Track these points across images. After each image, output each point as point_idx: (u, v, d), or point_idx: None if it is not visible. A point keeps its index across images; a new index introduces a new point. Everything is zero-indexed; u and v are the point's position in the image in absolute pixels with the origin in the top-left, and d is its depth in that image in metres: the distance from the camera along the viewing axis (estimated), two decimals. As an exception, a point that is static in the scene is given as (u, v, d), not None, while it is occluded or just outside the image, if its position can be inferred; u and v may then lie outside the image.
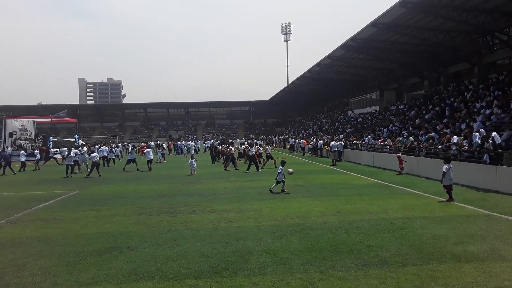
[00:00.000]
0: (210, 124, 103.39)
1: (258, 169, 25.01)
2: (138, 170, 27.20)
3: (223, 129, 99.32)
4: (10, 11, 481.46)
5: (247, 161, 26.82)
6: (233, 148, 29.04)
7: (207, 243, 8.79)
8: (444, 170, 13.09)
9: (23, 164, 30.24)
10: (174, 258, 7.80)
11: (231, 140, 48.99)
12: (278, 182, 15.97)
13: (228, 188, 17.48)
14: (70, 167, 24.98)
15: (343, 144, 32.00)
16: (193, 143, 48.01)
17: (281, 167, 16.35)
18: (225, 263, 7.40)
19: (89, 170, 24.74)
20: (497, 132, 16.46)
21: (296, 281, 6.44)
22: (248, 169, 25.00)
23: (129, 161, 28.01)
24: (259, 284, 6.36)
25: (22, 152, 32.10)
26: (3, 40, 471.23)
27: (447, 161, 13.34)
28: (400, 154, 21.90)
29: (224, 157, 30.25)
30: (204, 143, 62.69)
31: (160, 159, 37.34)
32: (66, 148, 33.02)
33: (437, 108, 28.91)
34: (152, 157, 28.60)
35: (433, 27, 29.87)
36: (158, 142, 57.76)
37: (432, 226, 9.74)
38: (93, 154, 25.70)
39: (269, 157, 27.89)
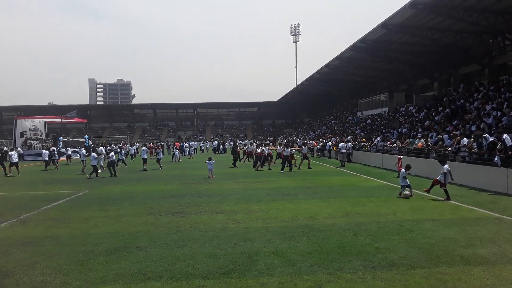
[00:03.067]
0: (219, 124, 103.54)
1: (291, 169, 25.10)
2: (144, 170, 27.53)
3: (232, 130, 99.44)
4: (21, 12, 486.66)
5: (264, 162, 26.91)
6: (265, 149, 28.62)
7: (215, 243, 8.82)
8: (445, 171, 13.69)
9: (47, 163, 30.96)
10: (183, 258, 7.84)
11: (267, 141, 48.85)
12: (405, 187, 14.58)
13: (236, 189, 17.51)
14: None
15: (351, 145, 31.88)
16: (196, 143, 48.59)
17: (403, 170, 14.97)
18: (233, 264, 7.42)
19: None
20: (507, 134, 16.31)
21: (303, 283, 6.44)
22: (282, 169, 25.12)
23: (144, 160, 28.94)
24: (267, 285, 6.37)
25: (45, 151, 32.68)
26: (14, 40, 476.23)
27: (444, 161, 14.29)
28: (401, 156, 21.82)
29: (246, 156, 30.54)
30: (211, 143, 62.69)
31: (176, 158, 38.25)
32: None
33: (447, 110, 28.71)
34: (161, 157, 30.04)
35: (444, 28, 29.69)
36: (169, 143, 58.01)
37: (441, 229, 9.68)
38: (111, 153, 26.52)
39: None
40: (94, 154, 25.00)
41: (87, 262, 7.76)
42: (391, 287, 6.21)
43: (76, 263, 7.72)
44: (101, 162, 27.97)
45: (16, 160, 26.38)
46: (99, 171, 26.74)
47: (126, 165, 32.65)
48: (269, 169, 26.58)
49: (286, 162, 25.28)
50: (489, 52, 31.66)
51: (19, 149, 43.52)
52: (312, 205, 13.32)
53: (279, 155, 30.96)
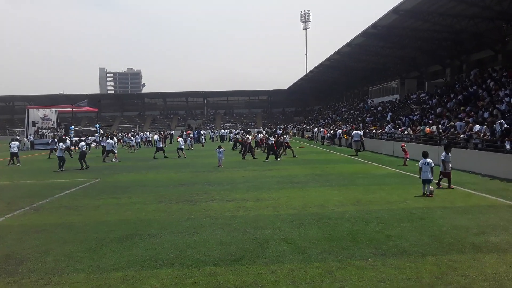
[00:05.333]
0: (229, 113, 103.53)
1: (276, 158, 24.99)
2: (165, 157, 28.22)
3: (242, 118, 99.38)
4: (32, 2, 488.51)
5: (265, 150, 26.83)
6: (250, 137, 28.95)
7: (226, 231, 8.87)
8: (442, 158, 13.47)
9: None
10: (193, 245, 7.89)
11: (248, 129, 49.05)
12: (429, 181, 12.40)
13: (246, 177, 17.54)
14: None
15: (360, 133, 31.54)
16: (204, 131, 48.99)
17: (427, 160, 12.50)
18: (243, 251, 7.46)
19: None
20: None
21: (314, 270, 6.46)
22: (267, 158, 25.02)
23: (157, 149, 29.32)
24: (277, 272, 6.40)
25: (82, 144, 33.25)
26: (26, 30, 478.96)
27: (449, 149, 13.84)
28: (404, 144, 21.60)
29: (241, 146, 30.40)
30: (212, 131, 62.56)
31: (189, 146, 39.68)
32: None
33: (459, 97, 28.36)
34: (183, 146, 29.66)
35: (456, 14, 29.16)
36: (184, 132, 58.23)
37: (453, 216, 9.62)
38: (81, 143, 25.22)
39: (287, 146, 27.83)
40: (61, 144, 23.27)
41: (100, 249, 7.86)
42: (402, 274, 6.20)
43: (88, 250, 7.82)
44: (115, 150, 28.29)
45: (15, 150, 25.56)
46: (113, 160, 27.11)
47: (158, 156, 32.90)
48: (254, 157, 26.57)
49: (271, 151, 25.23)
50: (502, 37, 31.05)
51: (31, 137, 44.02)
52: (322, 193, 13.30)
53: (257, 143, 31.03)
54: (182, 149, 28.92)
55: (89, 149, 34.44)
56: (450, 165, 13.57)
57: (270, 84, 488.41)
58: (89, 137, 37.90)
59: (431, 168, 12.26)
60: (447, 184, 13.54)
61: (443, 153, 13.66)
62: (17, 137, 36.96)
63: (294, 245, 7.73)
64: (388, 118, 36.65)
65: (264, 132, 37.95)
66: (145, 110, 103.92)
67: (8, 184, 17.55)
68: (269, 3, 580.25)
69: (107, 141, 28.21)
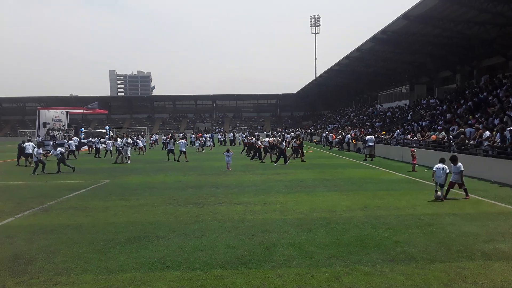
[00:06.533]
0: (237, 116, 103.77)
1: (285, 162, 24.96)
2: (176, 161, 28.01)
3: (250, 122, 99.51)
4: (43, 5, 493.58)
5: (275, 154, 26.80)
6: (259, 143, 28.95)
7: (233, 234, 8.88)
8: (434, 169, 12.68)
9: (98, 150, 34.72)
10: (201, 248, 7.91)
11: (256, 133, 49.10)
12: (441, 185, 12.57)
13: (254, 181, 17.55)
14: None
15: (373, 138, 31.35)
16: (207, 135, 49.25)
17: (442, 165, 12.66)
18: (251, 255, 7.46)
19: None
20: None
21: (321, 275, 6.45)
22: (276, 162, 24.99)
23: (169, 151, 29.20)
24: (284, 277, 6.39)
25: (95, 139, 35.68)
26: (37, 33, 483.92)
27: (455, 161, 12.75)
28: (414, 149, 21.43)
29: (248, 149, 30.59)
30: (220, 135, 62.35)
31: (198, 148, 40.93)
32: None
33: (469, 103, 28.15)
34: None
35: (467, 19, 29.00)
36: (192, 135, 58.33)
37: (462, 223, 9.55)
38: (58, 150, 23.32)
39: (295, 150, 27.83)
40: (40, 150, 22.69)
41: (108, 250, 7.91)
42: (410, 280, 6.17)
43: (97, 251, 7.87)
44: (128, 152, 28.54)
45: (29, 151, 25.32)
46: (127, 161, 27.42)
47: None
48: (262, 161, 26.61)
49: (282, 155, 25.15)
50: (513, 43, 30.85)
51: (39, 138, 44.29)
52: (330, 197, 13.27)
53: (265, 149, 30.67)
54: (183, 152, 28.17)
55: (97, 153, 34.78)
56: (455, 176, 12.79)
57: (279, 88, 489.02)
58: (97, 139, 38.17)
59: (446, 174, 12.31)
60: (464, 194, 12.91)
61: (452, 165, 12.96)
62: (29, 137, 37.46)
63: (302, 250, 7.72)
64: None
65: (278, 135, 37.83)
66: (155, 113, 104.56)
67: (18, 185, 17.72)
68: (279, 7, 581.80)
69: (118, 141, 28.76)
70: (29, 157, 25.76)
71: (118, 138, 33.85)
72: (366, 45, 39.54)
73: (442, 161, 12.86)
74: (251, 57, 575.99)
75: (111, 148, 34.18)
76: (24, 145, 26.59)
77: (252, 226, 9.59)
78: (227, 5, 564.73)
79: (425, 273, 6.44)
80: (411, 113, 38.16)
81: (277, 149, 25.95)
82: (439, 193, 12.44)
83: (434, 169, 12.59)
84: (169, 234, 9.00)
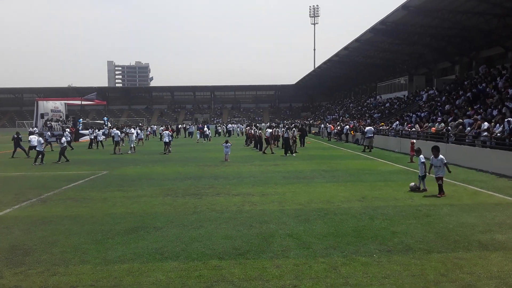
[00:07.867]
0: (236, 107, 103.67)
1: (292, 153, 24.97)
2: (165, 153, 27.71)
3: (249, 113, 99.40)
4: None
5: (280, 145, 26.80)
6: (262, 132, 28.93)
7: (231, 225, 8.89)
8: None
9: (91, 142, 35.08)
10: (199, 239, 7.93)
11: (257, 124, 49.02)
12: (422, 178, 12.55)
13: (252, 172, 17.55)
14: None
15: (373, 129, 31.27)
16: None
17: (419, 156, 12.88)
18: (248, 245, 7.48)
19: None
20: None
21: (319, 265, 6.47)
22: (285, 153, 24.90)
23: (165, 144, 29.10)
24: (282, 267, 6.41)
25: (99, 132, 35.38)
26: (34, 23, 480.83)
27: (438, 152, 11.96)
28: (414, 141, 21.42)
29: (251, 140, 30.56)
30: (218, 126, 62.01)
31: (198, 139, 41.85)
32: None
33: (468, 94, 28.11)
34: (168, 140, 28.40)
35: (466, 10, 28.83)
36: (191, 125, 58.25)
37: (459, 214, 9.58)
38: (62, 139, 24.29)
39: (294, 141, 27.85)
40: (40, 139, 22.89)
41: (106, 241, 7.92)
42: (407, 271, 6.19)
43: (95, 242, 7.88)
44: (133, 143, 29.02)
45: (34, 144, 24.82)
46: (129, 152, 27.54)
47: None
48: (263, 152, 26.49)
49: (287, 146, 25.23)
50: (512, 34, 30.72)
51: (36, 129, 44.17)
52: (328, 188, 13.29)
53: (267, 141, 30.49)
54: (167, 143, 27.98)
55: (96, 143, 34.77)
56: (437, 170, 11.94)
57: (277, 79, 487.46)
58: (96, 130, 37.89)
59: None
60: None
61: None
62: (31, 129, 37.80)
63: (299, 240, 7.74)
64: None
65: (281, 126, 37.50)
66: (153, 104, 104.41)
67: (16, 176, 17.70)
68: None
69: (115, 131, 28.83)
70: (33, 149, 25.65)
71: (115, 129, 33.77)
72: (365, 35, 39.37)
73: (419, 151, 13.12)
74: (250, 48, 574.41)
75: (101, 139, 34.56)
76: (29, 138, 26.83)
77: (250, 217, 9.61)
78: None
79: (422, 264, 6.46)
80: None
81: (280, 140, 25.92)
82: (414, 183, 12.65)
83: (431, 162, 12.07)
84: (167, 225, 9.00)
